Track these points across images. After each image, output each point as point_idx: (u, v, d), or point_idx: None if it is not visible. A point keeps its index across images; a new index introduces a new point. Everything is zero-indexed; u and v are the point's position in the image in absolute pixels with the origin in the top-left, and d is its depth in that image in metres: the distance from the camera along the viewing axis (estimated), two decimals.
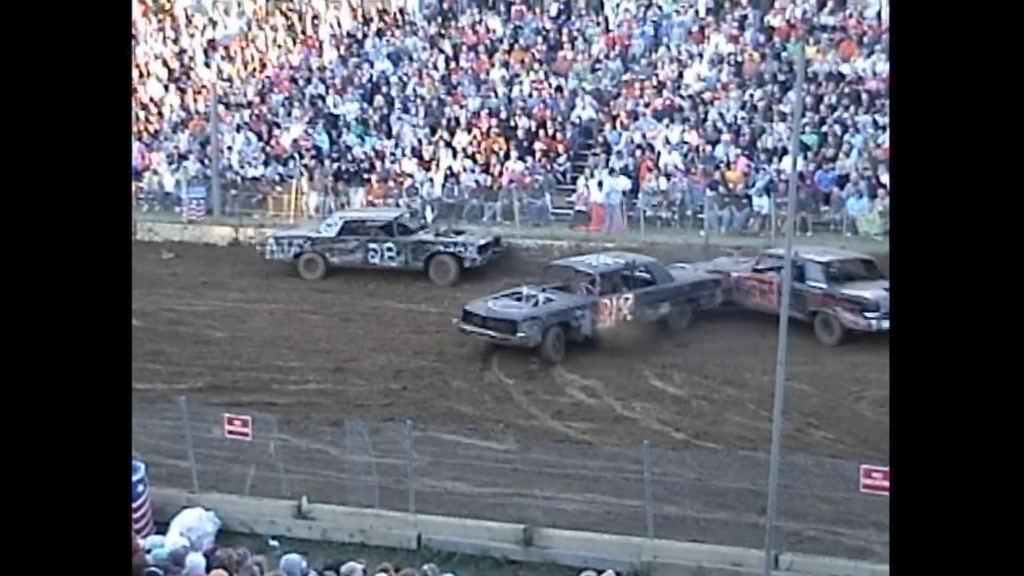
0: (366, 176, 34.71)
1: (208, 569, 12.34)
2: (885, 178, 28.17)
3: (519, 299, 24.70)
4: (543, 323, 23.87)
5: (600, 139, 34.06)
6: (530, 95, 35.79)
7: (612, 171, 32.31)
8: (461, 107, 35.94)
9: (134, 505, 17.42)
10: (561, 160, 33.72)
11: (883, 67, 31.27)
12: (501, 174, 33.49)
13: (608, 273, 25.06)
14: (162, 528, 17.29)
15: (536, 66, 36.73)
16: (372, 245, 30.43)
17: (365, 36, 40.30)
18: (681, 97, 34.31)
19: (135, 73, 41.02)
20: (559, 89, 35.73)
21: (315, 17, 41.88)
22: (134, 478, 17.61)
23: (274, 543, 17.51)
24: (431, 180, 33.94)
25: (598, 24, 38.26)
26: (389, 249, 30.34)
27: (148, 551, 12.73)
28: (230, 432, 18.31)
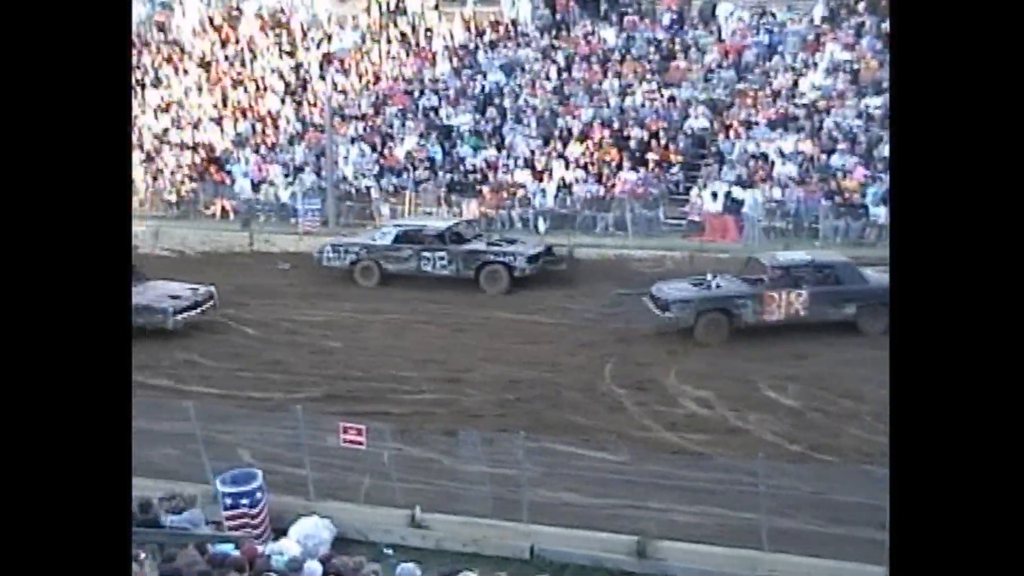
0: (478, 187, 34.86)
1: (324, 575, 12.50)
2: None
3: (695, 284, 25.76)
4: (695, 307, 24.85)
5: (713, 149, 33.87)
6: (643, 105, 35.71)
7: (726, 181, 32.12)
8: (574, 118, 35.95)
9: (253, 512, 17.70)
10: (674, 170, 33.59)
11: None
12: (614, 185, 33.45)
13: (784, 267, 25.27)
14: (279, 535, 17.51)
15: (649, 76, 36.64)
16: (425, 254, 30.86)
17: (478, 48, 40.51)
18: (796, 106, 34.02)
19: (252, 87, 41.72)
20: (672, 99, 35.60)
21: (428, 30, 42.17)
22: (253, 485, 17.89)
23: (389, 551, 17.65)
24: (543, 191, 34.00)
25: (711, 33, 38.09)
26: (441, 258, 30.74)
27: (268, 557, 12.93)
28: (346, 441, 18.47)
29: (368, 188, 36.14)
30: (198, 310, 27.82)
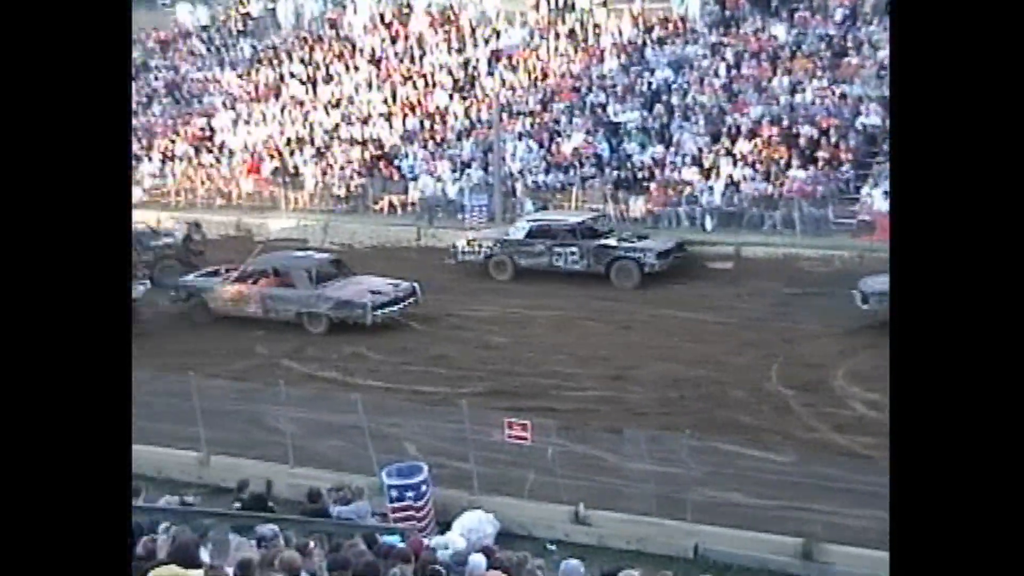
0: (645, 184, 34.73)
1: (488, 569, 12.56)
2: None
3: None
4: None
5: (885, 147, 33.19)
6: (813, 102, 35.16)
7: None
8: (742, 115, 35.55)
9: (418, 505, 17.89)
10: (844, 169, 33.02)
11: None
12: (782, 183, 33.00)
13: None
14: (444, 528, 17.67)
15: (820, 73, 36.05)
16: (557, 248, 31.17)
17: (646, 44, 40.33)
18: None
19: (421, 83, 42.15)
20: (843, 96, 34.98)
21: (597, 26, 42.11)
22: (419, 478, 18.09)
23: (552, 547, 17.69)
24: (711, 188, 33.71)
25: (885, 29, 37.32)
26: (572, 253, 31.03)
27: (433, 550, 13.04)
28: (510, 436, 18.57)
29: (537, 184, 36.24)
30: (399, 306, 28.10)
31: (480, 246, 32.52)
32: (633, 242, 31.11)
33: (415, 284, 28.59)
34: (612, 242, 31.18)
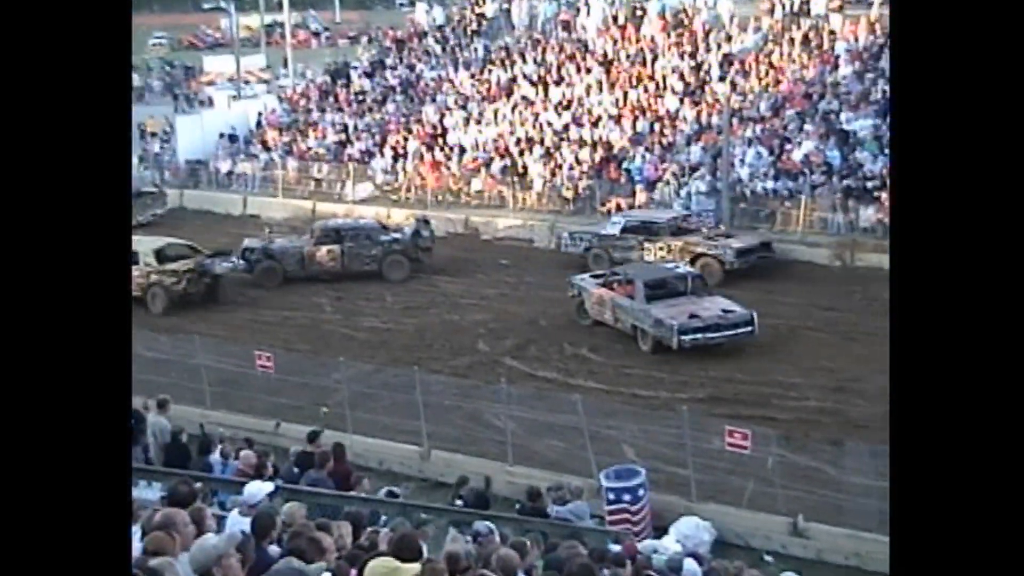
0: (876, 193, 33.96)
1: None
2: None
3: None
4: None
5: None
6: None
7: None
8: None
9: (634, 508, 17.90)
10: None
11: None
12: None
13: None
14: (659, 533, 17.65)
15: None
16: (647, 244, 32.32)
17: (882, 51, 39.48)
18: None
19: (652, 86, 42.07)
20: None
21: (831, 32, 41.42)
22: (636, 482, 18.09)
23: (768, 559, 17.52)
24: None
25: None
26: (661, 248, 32.12)
27: (648, 555, 13.04)
28: (730, 444, 18.44)
29: (765, 190, 35.84)
30: (721, 334, 26.16)
31: (581, 239, 33.84)
32: (716, 240, 31.95)
33: (752, 313, 26.54)
34: (696, 239, 32.17)
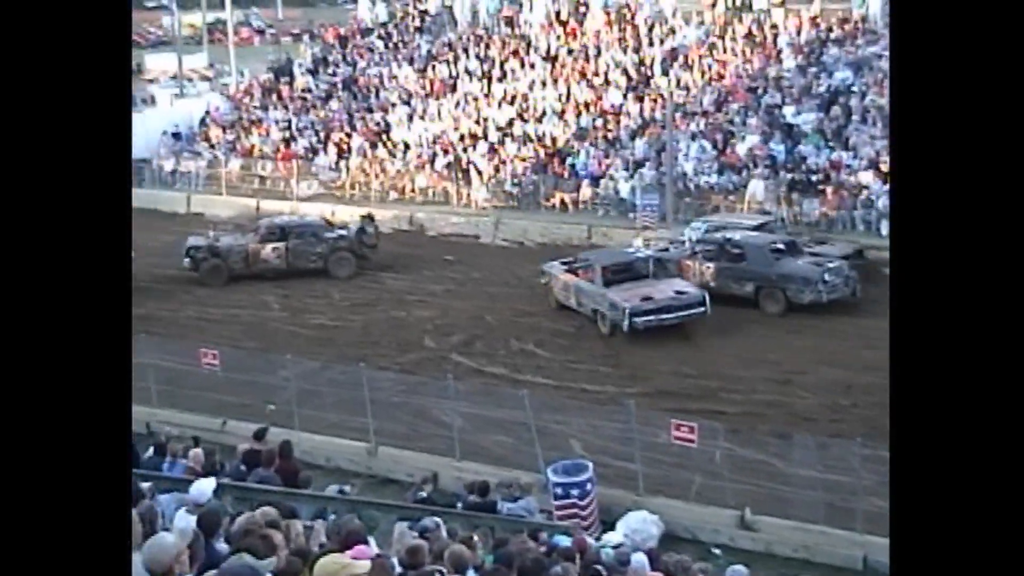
0: (820, 187, 34.15)
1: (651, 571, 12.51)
2: None
3: None
4: None
5: None
6: None
7: None
8: None
9: (582, 503, 17.90)
10: None
11: None
12: None
13: None
14: (607, 528, 17.67)
15: None
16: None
17: (824, 45, 39.72)
18: None
19: (595, 81, 42.13)
20: None
21: (774, 26, 41.62)
22: (583, 476, 18.10)
23: (717, 552, 17.56)
24: (888, 192, 33.02)
25: None
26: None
27: (597, 550, 13.04)
28: (676, 438, 18.47)
29: (710, 184, 35.95)
30: (673, 315, 26.54)
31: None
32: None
33: (704, 293, 27.12)
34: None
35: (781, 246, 28.95)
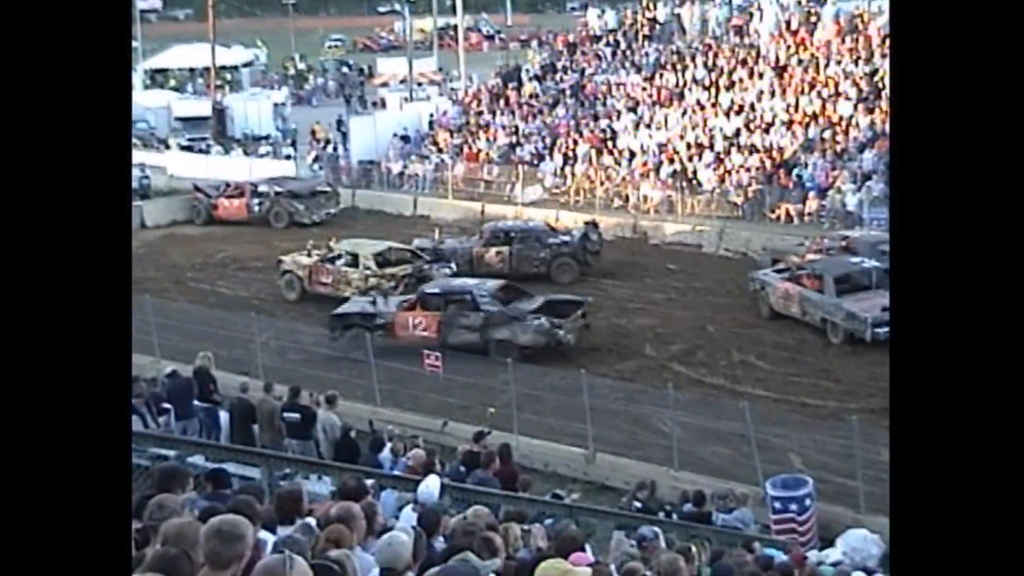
0: None
1: None
2: None
3: None
4: None
5: None
6: None
7: None
8: None
9: (801, 518, 17.70)
10: None
11: None
12: None
13: None
14: (826, 545, 17.43)
15: None
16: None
17: None
18: None
19: (825, 92, 41.48)
20: None
21: None
22: (803, 491, 17.89)
23: None
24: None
25: None
26: None
27: (815, 565, 12.91)
28: None
29: None
30: None
31: None
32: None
33: None
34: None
35: None
